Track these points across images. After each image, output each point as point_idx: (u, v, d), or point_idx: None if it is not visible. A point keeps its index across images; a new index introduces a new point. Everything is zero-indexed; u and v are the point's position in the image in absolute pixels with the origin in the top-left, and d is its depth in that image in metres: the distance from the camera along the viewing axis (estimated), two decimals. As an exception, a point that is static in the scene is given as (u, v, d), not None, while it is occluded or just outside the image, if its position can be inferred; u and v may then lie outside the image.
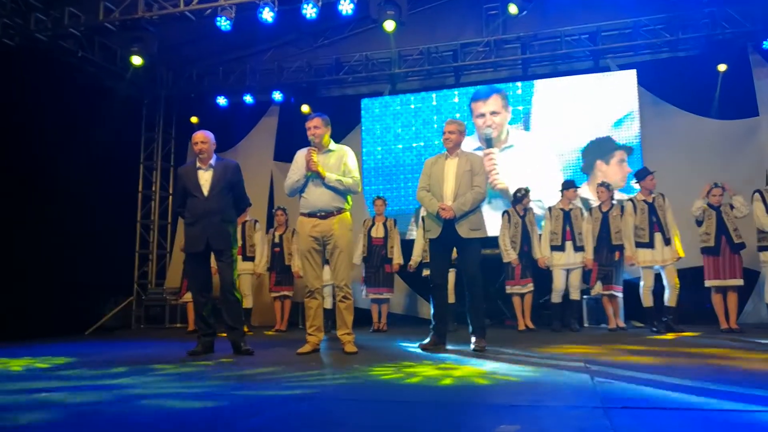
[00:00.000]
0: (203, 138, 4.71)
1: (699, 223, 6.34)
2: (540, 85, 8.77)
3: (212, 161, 4.73)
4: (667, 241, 6.24)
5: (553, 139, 8.57)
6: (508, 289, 6.98)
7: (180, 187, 4.84)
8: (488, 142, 8.70)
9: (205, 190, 4.63)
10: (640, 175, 6.54)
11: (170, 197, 9.88)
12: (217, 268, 4.77)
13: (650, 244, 6.30)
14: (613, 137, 8.37)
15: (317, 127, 4.56)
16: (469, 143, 8.59)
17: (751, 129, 7.83)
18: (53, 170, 7.39)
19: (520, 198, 7.04)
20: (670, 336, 5.71)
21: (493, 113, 8.77)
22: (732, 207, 6.21)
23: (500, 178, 8.55)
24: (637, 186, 6.78)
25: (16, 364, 4.13)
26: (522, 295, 6.92)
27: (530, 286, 6.89)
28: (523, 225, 6.94)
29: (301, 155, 4.61)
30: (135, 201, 9.59)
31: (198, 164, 4.72)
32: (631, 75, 8.36)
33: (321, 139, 4.58)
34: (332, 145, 4.69)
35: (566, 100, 8.58)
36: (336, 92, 9.69)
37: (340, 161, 4.59)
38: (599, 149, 8.43)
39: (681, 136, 8.03)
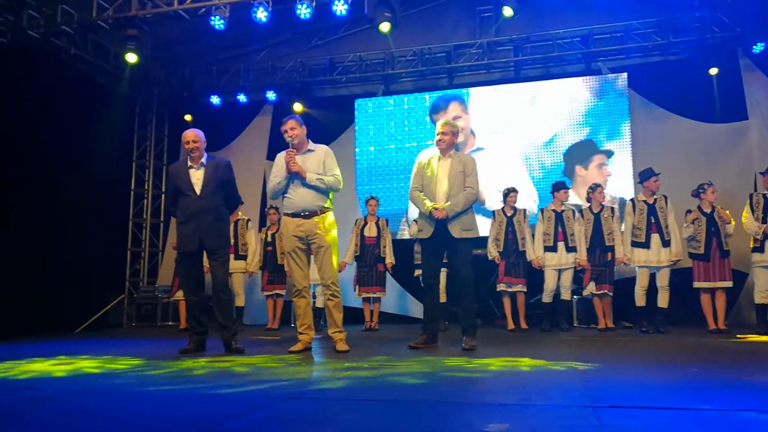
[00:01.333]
0: (194, 137, 4.71)
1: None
2: (530, 87, 8.83)
3: (203, 159, 4.74)
4: (665, 243, 6.30)
5: (537, 142, 8.63)
6: (498, 287, 7.00)
7: (171, 185, 4.84)
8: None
9: (198, 189, 4.64)
10: (644, 175, 6.56)
11: (162, 195, 9.86)
12: (209, 267, 4.78)
13: (646, 244, 6.34)
14: (599, 140, 8.42)
15: (293, 129, 4.58)
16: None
17: (740, 132, 7.91)
18: (45, 168, 7.36)
19: (505, 197, 7.09)
20: (658, 336, 5.76)
21: (455, 118, 8.76)
22: (722, 219, 6.25)
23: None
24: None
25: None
26: (511, 294, 6.94)
27: (519, 287, 6.87)
28: (509, 224, 6.97)
29: (281, 157, 4.63)
30: (127, 199, 9.56)
31: (189, 162, 4.72)
32: (622, 78, 8.43)
33: (299, 140, 4.61)
34: (311, 145, 4.71)
35: (557, 102, 8.65)
36: (330, 92, 9.70)
37: (320, 160, 4.61)
38: (580, 153, 8.50)
39: (671, 138, 8.10)
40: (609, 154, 8.34)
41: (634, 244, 6.40)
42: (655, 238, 6.32)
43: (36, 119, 7.20)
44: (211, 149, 4.99)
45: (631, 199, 6.67)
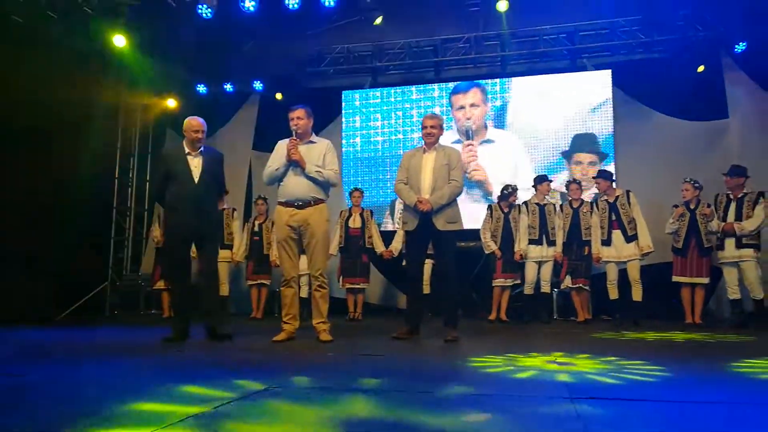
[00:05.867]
0: (201, 126, 4.70)
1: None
2: (517, 82, 8.90)
3: (201, 148, 4.75)
4: (629, 238, 6.49)
5: (530, 135, 8.72)
6: (494, 282, 7.06)
7: (164, 171, 4.79)
8: (467, 134, 8.83)
9: (195, 177, 4.64)
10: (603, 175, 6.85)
11: (147, 184, 9.82)
12: (198, 254, 4.78)
13: (607, 242, 6.64)
14: (587, 136, 8.50)
15: (300, 118, 4.61)
16: (448, 136, 8.72)
17: (720, 130, 8.03)
18: (27, 155, 7.28)
19: (506, 195, 7.17)
20: (635, 329, 5.88)
21: (472, 105, 8.91)
22: (705, 216, 6.38)
23: (478, 170, 8.70)
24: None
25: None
26: (503, 288, 7.05)
27: (516, 281, 7.04)
28: (506, 221, 7.07)
29: (282, 145, 4.65)
30: (112, 187, 9.49)
31: (188, 149, 4.71)
32: (607, 75, 8.52)
33: (303, 130, 4.63)
34: (314, 138, 4.75)
35: (543, 98, 8.72)
36: (317, 84, 9.66)
37: (321, 154, 4.64)
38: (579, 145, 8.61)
39: (652, 135, 8.20)
40: (604, 156, 8.46)
41: (601, 242, 6.68)
42: (617, 234, 6.61)
43: (18, 104, 7.11)
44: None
45: (595, 199, 6.86)
